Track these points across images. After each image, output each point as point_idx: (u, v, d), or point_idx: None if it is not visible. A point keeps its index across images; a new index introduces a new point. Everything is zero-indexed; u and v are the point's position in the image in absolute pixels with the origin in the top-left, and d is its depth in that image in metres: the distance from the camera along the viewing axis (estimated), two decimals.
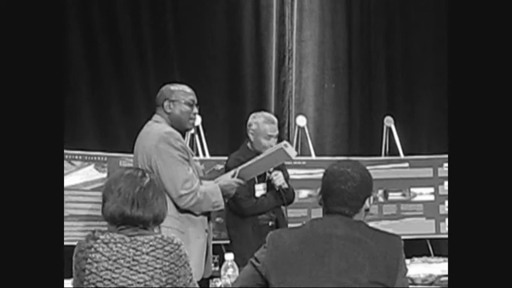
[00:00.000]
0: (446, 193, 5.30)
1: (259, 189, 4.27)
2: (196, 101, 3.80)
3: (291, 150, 3.61)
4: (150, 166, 3.50)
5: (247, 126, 4.20)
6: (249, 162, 3.68)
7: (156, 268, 2.45)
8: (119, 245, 2.45)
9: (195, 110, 3.78)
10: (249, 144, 4.18)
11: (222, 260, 3.58)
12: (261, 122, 4.16)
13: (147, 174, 2.64)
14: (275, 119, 4.27)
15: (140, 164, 3.57)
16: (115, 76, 5.49)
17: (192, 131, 5.14)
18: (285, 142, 3.64)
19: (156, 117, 3.70)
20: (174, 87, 3.75)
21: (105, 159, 4.84)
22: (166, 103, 3.67)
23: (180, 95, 3.71)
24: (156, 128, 3.61)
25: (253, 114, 4.27)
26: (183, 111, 3.67)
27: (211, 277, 3.60)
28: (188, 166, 3.58)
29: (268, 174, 4.19)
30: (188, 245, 3.46)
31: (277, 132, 4.20)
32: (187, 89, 3.81)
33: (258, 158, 3.66)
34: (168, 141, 3.51)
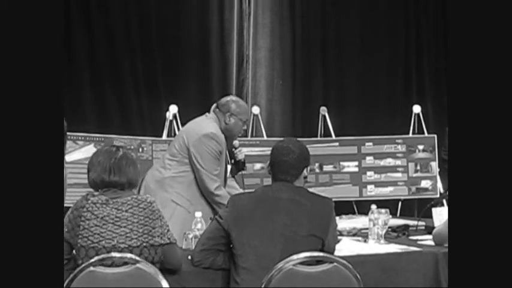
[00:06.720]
0: (368, 166, 5.88)
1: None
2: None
3: None
4: (187, 148, 3.75)
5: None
6: None
7: (134, 222, 2.62)
8: (104, 205, 2.61)
9: (245, 127, 4.02)
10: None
11: None
12: None
13: (120, 149, 2.77)
14: None
15: (178, 141, 3.77)
16: (110, 75, 5.85)
17: (171, 117, 5.48)
18: None
19: (213, 116, 3.86)
20: (238, 104, 3.87)
21: (102, 139, 5.24)
22: (228, 114, 3.81)
23: (241, 113, 3.87)
24: (209, 125, 3.78)
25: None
26: (237, 127, 3.87)
27: None
28: (217, 165, 3.79)
29: (233, 149, 4.34)
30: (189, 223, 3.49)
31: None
32: (247, 109, 3.99)
33: None
34: (208, 139, 3.73)
